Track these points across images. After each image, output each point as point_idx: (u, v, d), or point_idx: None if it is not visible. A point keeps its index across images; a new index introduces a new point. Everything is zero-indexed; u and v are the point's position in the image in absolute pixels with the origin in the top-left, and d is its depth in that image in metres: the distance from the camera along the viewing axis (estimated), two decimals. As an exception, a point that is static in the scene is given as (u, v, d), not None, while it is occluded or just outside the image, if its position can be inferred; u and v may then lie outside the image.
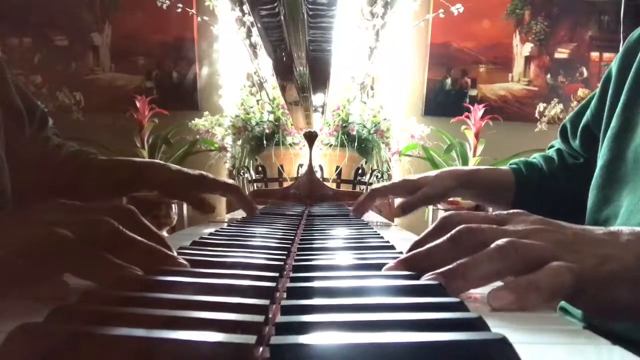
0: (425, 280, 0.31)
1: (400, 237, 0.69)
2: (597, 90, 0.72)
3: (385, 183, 0.85)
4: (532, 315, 0.29)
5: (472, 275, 0.31)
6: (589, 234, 0.35)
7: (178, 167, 0.78)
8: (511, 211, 0.38)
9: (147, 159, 0.81)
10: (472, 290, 0.32)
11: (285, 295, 0.28)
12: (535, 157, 0.85)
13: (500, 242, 0.32)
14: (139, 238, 0.33)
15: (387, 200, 0.86)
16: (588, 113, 0.73)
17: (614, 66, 0.68)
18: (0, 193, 0.54)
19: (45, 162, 0.72)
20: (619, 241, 0.34)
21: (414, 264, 0.34)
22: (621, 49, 0.69)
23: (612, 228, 0.36)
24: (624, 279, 0.31)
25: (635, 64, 0.63)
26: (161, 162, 0.82)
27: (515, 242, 0.32)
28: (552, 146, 0.89)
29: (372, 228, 0.66)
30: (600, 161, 0.66)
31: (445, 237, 0.35)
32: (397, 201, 0.91)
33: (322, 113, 0.98)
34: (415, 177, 0.82)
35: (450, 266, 0.32)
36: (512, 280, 0.30)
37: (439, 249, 0.34)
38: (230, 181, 0.81)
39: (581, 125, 0.75)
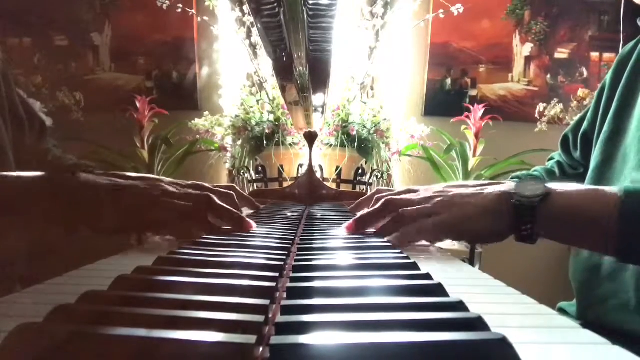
0: (370, 235, 0.57)
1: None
2: (593, 100, 0.76)
3: (391, 190, 0.85)
4: (532, 315, 0.29)
5: (386, 232, 0.56)
6: (463, 192, 0.56)
7: (170, 180, 0.78)
8: (424, 186, 0.62)
9: (140, 174, 0.81)
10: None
11: (285, 295, 0.28)
12: (537, 170, 0.88)
13: (400, 211, 0.56)
14: (225, 206, 0.57)
15: None
16: (585, 122, 0.77)
17: (607, 78, 0.73)
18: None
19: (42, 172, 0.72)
20: (485, 192, 0.54)
21: (362, 223, 0.59)
22: (615, 61, 0.74)
23: (483, 182, 0.57)
24: (480, 216, 0.53)
25: (625, 75, 0.69)
26: (155, 176, 0.82)
27: (406, 211, 0.55)
28: (551, 158, 0.92)
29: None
30: (592, 163, 0.70)
31: (376, 206, 0.59)
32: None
33: (322, 113, 0.98)
34: (420, 188, 0.82)
35: (380, 226, 0.57)
36: (401, 230, 0.54)
37: (374, 213, 0.59)
38: (222, 190, 0.79)
39: (580, 134, 0.79)
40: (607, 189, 0.51)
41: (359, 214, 0.61)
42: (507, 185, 0.54)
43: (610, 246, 0.48)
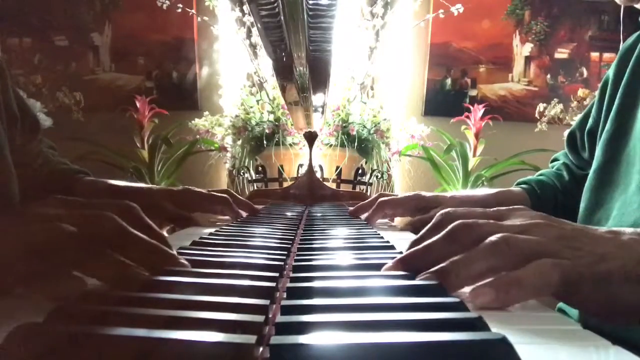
0: (419, 279, 0.31)
1: (400, 237, 0.69)
2: (597, 94, 0.73)
3: (395, 195, 0.81)
4: (532, 315, 0.29)
5: (464, 273, 0.31)
6: (589, 231, 0.34)
7: (161, 187, 0.75)
8: (511, 207, 0.38)
9: (134, 184, 0.78)
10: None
11: (285, 295, 0.28)
12: (544, 175, 0.84)
13: (493, 237, 0.31)
14: (142, 236, 0.33)
15: (395, 213, 0.82)
16: (590, 118, 0.74)
17: (610, 72, 0.70)
18: (10, 201, 0.53)
19: (27, 176, 0.70)
20: (620, 240, 0.33)
21: (412, 262, 0.34)
22: (617, 55, 0.70)
23: (615, 228, 0.35)
24: (622, 279, 0.31)
25: (627, 71, 0.65)
26: (147, 185, 0.79)
27: (508, 237, 0.31)
28: (555, 159, 0.87)
29: (372, 228, 0.66)
30: (594, 164, 0.67)
31: (441, 234, 0.34)
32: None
33: (322, 113, 0.98)
34: (428, 195, 0.78)
35: (443, 264, 0.31)
36: (495, 278, 0.30)
37: (435, 246, 0.34)
38: (218, 195, 0.75)
39: (586, 131, 0.75)
40: None
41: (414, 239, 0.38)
42: None
43: None
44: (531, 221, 0.34)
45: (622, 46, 0.70)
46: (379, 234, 0.57)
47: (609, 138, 0.65)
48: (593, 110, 0.74)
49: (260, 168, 1.64)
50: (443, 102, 2.13)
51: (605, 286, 0.31)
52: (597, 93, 0.74)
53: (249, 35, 1.72)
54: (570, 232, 0.33)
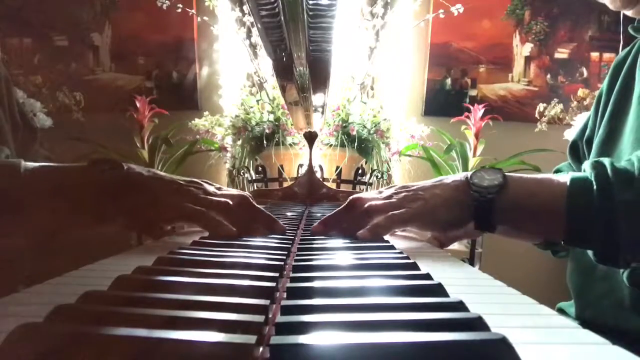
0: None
1: (400, 237, 0.69)
2: (593, 105, 0.78)
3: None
4: (532, 315, 0.29)
5: (356, 226, 0.57)
6: (425, 186, 0.58)
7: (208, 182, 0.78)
8: (390, 186, 0.62)
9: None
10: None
11: (285, 295, 0.28)
12: None
13: (365, 206, 0.58)
14: (261, 208, 0.61)
15: None
16: (587, 128, 0.79)
17: (604, 85, 0.77)
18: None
19: None
20: (445, 183, 0.57)
21: (330, 224, 0.60)
22: (611, 66, 0.76)
23: (444, 177, 0.58)
24: (443, 208, 0.55)
25: (619, 80, 0.70)
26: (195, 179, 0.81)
27: (371, 205, 0.58)
28: (558, 170, 0.89)
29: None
30: None
31: (343, 206, 0.61)
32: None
33: (322, 113, 0.98)
34: (382, 189, 0.81)
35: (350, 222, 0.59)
36: (372, 223, 0.56)
37: (341, 212, 0.61)
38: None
39: (584, 139, 0.79)
40: (560, 177, 0.53)
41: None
42: (464, 175, 0.56)
43: (560, 232, 0.51)
44: (393, 192, 0.59)
45: (615, 59, 0.75)
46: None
47: (601, 142, 0.69)
48: (590, 121, 0.78)
49: (260, 168, 1.64)
50: (443, 102, 2.13)
51: (432, 213, 0.55)
52: (593, 104, 0.78)
53: (249, 35, 1.72)
54: (413, 192, 0.57)
